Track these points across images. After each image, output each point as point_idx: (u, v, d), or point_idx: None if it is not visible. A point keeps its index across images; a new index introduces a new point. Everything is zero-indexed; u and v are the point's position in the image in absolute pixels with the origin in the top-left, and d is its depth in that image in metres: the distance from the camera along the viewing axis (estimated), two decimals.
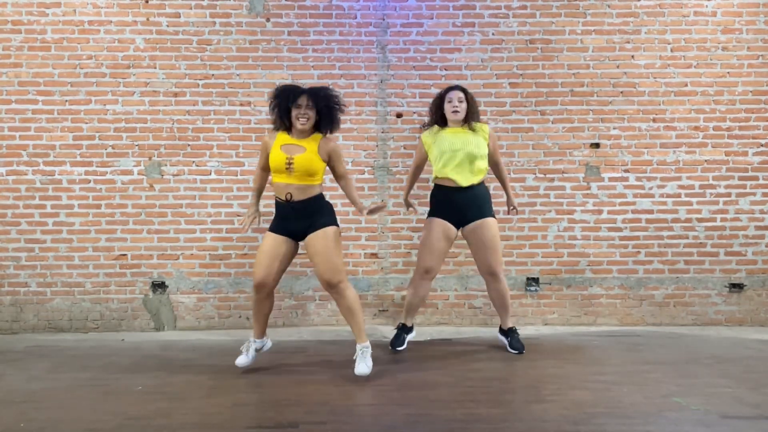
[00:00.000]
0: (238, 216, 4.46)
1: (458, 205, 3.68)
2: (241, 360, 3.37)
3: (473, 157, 3.63)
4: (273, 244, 3.26)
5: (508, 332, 3.88)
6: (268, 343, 3.55)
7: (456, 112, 3.66)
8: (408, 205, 4.08)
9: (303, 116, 3.20)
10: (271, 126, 3.39)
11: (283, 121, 3.27)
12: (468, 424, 2.65)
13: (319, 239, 3.23)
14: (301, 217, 3.24)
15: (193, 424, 2.67)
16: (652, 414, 2.75)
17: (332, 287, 3.26)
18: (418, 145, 3.89)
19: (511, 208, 3.97)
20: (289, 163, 3.17)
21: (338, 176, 3.43)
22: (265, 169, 3.39)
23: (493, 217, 3.75)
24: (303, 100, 3.20)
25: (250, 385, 3.17)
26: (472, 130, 3.70)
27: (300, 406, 2.87)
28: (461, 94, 3.68)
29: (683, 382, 3.19)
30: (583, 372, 3.39)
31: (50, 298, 4.46)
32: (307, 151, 3.22)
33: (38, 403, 2.95)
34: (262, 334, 3.45)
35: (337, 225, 3.34)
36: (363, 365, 3.25)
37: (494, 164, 3.86)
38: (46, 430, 2.62)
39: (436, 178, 3.75)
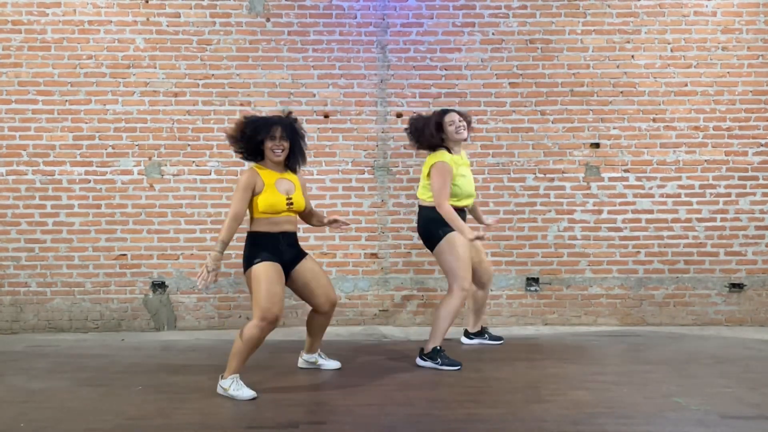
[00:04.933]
0: None
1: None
2: (249, 391, 3.02)
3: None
4: (278, 273, 3.09)
5: (483, 331, 4.07)
6: None
7: (463, 130, 3.62)
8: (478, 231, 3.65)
9: (278, 147, 3.13)
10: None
11: (250, 152, 3.21)
12: (468, 424, 2.65)
13: (315, 263, 3.34)
14: (291, 247, 3.21)
15: (193, 424, 2.67)
16: (652, 414, 2.75)
17: (334, 306, 3.37)
18: (444, 168, 3.52)
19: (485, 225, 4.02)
20: (290, 203, 3.15)
21: (309, 211, 3.37)
22: (242, 213, 3.08)
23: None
24: (277, 132, 3.12)
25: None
26: (466, 160, 3.78)
27: (300, 406, 2.88)
28: (458, 116, 3.66)
29: (683, 382, 3.19)
30: (583, 372, 3.39)
31: (50, 298, 4.46)
32: (298, 189, 3.23)
33: (38, 403, 2.95)
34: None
35: None
36: (333, 361, 3.55)
37: None
38: (46, 430, 2.62)
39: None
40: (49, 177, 4.42)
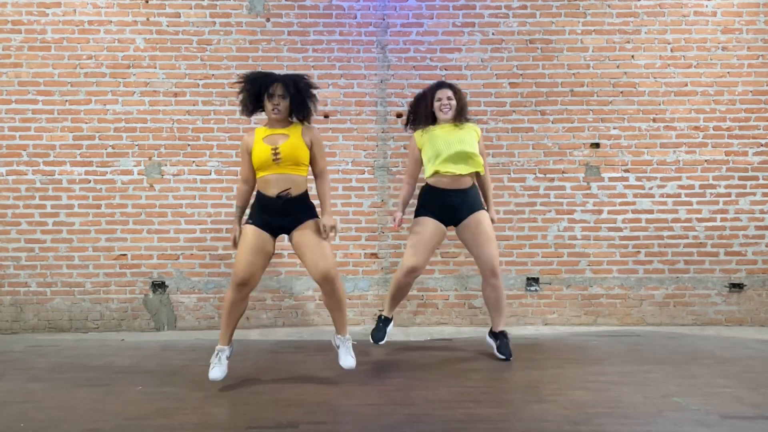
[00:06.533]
0: None
1: (450, 205, 3.58)
2: (218, 373, 3.10)
3: (468, 154, 3.54)
4: (257, 240, 3.09)
5: (498, 335, 3.69)
6: (232, 349, 3.27)
7: (447, 110, 3.58)
8: (399, 219, 3.70)
9: (276, 106, 3.09)
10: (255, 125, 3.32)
11: (248, 107, 3.16)
12: (468, 424, 2.65)
13: (312, 233, 3.12)
14: (289, 214, 3.13)
15: (193, 424, 2.67)
16: (652, 414, 2.75)
17: (329, 279, 3.08)
18: (410, 145, 3.71)
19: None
20: (276, 153, 3.05)
21: (318, 172, 3.26)
22: (249, 180, 3.23)
23: (485, 210, 3.64)
24: (276, 89, 3.08)
25: (250, 385, 3.17)
26: (462, 128, 3.61)
27: (300, 406, 2.87)
28: (450, 92, 3.60)
29: (683, 382, 3.19)
30: (583, 372, 3.39)
31: (50, 298, 4.46)
32: (291, 138, 3.12)
33: (38, 403, 2.95)
34: (230, 340, 3.20)
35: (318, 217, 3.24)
36: (349, 358, 3.22)
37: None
38: (46, 430, 2.62)
39: (431, 176, 3.60)
40: (49, 177, 4.42)
